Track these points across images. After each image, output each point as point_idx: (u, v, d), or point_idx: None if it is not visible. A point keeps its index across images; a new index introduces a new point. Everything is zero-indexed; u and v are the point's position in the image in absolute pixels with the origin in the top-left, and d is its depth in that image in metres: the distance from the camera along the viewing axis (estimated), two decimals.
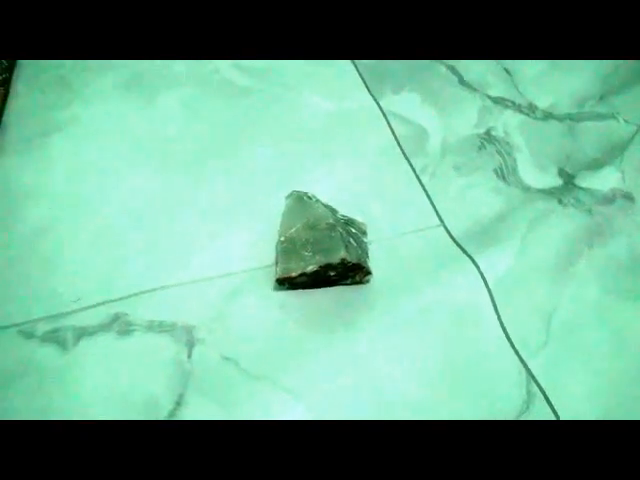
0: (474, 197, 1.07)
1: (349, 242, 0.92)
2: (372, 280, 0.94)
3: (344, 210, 1.00)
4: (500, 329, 0.90)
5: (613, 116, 1.19)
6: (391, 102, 1.23)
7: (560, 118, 1.20)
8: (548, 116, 1.20)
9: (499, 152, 1.13)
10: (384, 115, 1.20)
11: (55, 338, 0.87)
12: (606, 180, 1.09)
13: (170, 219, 1.03)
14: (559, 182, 1.09)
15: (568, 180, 1.09)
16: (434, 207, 1.05)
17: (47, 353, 0.86)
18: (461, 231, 1.02)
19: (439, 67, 1.30)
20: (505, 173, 1.10)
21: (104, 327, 0.89)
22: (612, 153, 1.13)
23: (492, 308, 0.92)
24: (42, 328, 0.88)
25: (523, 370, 0.85)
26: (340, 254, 0.89)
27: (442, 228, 1.02)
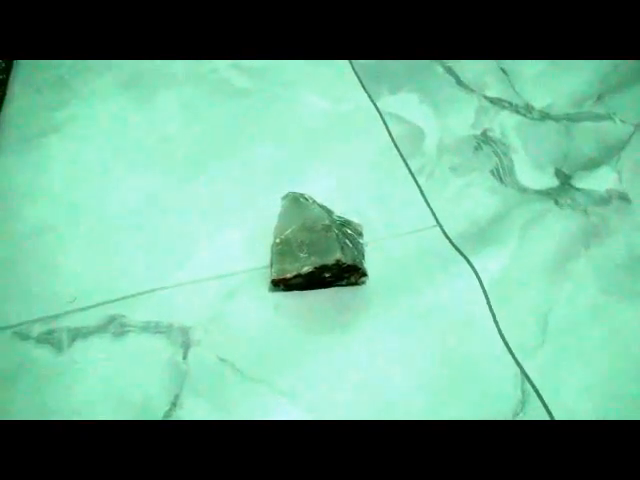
0: (470, 198, 1.07)
1: (345, 243, 0.92)
2: (368, 281, 0.94)
3: (340, 211, 1.00)
4: (496, 330, 0.90)
5: (610, 117, 1.19)
6: (388, 102, 1.23)
7: (557, 118, 1.19)
8: (545, 116, 1.20)
9: (496, 153, 1.13)
10: (381, 115, 1.20)
11: (50, 339, 0.87)
12: (602, 181, 1.09)
13: (166, 220, 1.03)
14: (556, 183, 1.09)
15: (565, 181, 1.09)
16: (430, 208, 1.05)
17: (42, 354, 0.86)
18: (457, 232, 1.01)
19: (436, 67, 1.30)
20: (502, 174, 1.10)
21: (100, 328, 0.89)
22: (609, 154, 1.13)
23: (488, 309, 0.92)
24: (37, 329, 0.89)
25: (518, 370, 0.85)
26: (335, 255, 0.89)
27: (438, 229, 1.02)
